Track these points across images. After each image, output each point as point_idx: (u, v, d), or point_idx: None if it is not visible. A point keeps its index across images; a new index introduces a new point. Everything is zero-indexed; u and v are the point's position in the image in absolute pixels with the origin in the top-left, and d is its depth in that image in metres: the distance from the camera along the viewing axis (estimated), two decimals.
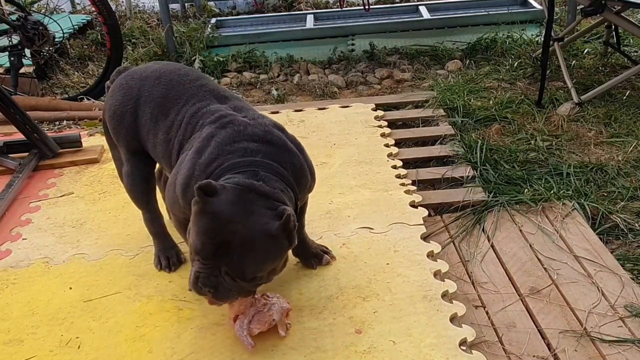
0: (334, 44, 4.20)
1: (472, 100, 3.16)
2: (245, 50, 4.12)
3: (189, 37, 4.27)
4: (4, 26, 3.35)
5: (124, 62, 3.81)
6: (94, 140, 2.92)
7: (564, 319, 1.71)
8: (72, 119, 3.27)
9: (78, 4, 5.53)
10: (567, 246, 2.02)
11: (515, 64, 3.60)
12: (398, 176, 2.42)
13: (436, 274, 1.84)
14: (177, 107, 1.73)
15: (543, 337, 1.66)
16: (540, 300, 1.79)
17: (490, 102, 3.14)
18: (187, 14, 5.16)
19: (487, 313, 1.76)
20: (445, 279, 1.83)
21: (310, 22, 4.58)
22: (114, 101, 1.83)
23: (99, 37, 4.51)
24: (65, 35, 3.96)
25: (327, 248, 1.95)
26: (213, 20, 4.79)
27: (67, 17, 4.49)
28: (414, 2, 4.94)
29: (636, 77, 3.27)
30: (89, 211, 2.34)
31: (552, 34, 3.18)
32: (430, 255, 1.94)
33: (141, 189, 1.90)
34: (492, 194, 2.31)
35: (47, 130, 3.09)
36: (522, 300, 1.80)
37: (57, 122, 3.25)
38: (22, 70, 3.52)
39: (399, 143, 2.75)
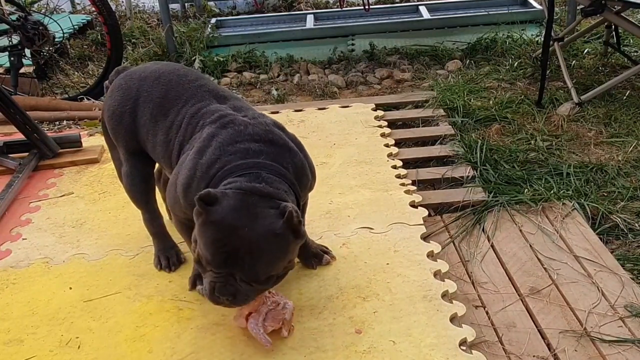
0: (334, 44, 4.20)
1: (472, 100, 3.16)
2: (245, 50, 4.12)
3: (189, 37, 4.27)
4: (4, 26, 3.35)
5: (124, 62, 3.81)
6: (94, 140, 2.92)
7: (564, 319, 1.71)
8: (72, 119, 3.27)
9: (78, 4, 5.53)
10: (567, 246, 2.02)
11: (515, 64, 3.60)
12: (398, 176, 2.42)
13: (436, 274, 1.84)
14: (176, 107, 1.73)
15: (543, 337, 1.66)
16: (540, 300, 1.79)
17: (490, 102, 3.14)
18: (187, 14, 5.17)
19: (487, 313, 1.76)
20: (445, 279, 1.83)
21: (310, 22, 4.58)
22: (113, 101, 1.83)
23: (99, 37, 4.51)
24: (65, 35, 3.96)
25: (327, 248, 1.95)
26: (213, 20, 4.79)
27: (67, 17, 4.49)
28: (414, 2, 4.94)
29: (636, 77, 3.27)
30: (89, 211, 2.34)
31: (552, 34, 3.18)
32: (430, 255, 1.94)
33: (140, 189, 1.90)
34: (492, 194, 2.31)
35: (47, 130, 3.09)
36: (522, 300, 1.80)
37: (57, 122, 3.26)
38: (22, 70, 3.52)
39: (399, 143, 2.75)
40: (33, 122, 2.74)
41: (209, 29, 4.49)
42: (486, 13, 4.46)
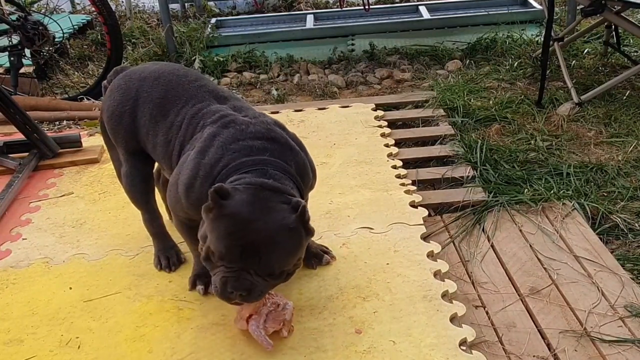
0: (334, 44, 4.20)
1: (472, 100, 3.16)
2: (245, 50, 4.12)
3: (189, 37, 4.27)
4: (4, 26, 3.35)
5: (124, 62, 3.81)
6: (94, 140, 2.92)
7: (564, 319, 1.71)
8: (72, 119, 3.27)
9: (78, 4, 5.53)
10: (567, 246, 2.02)
11: (515, 64, 3.60)
12: (398, 176, 2.42)
13: (436, 274, 1.84)
14: (176, 108, 1.73)
15: (543, 337, 1.66)
16: (540, 300, 1.79)
17: (490, 102, 3.14)
18: (187, 14, 5.17)
19: (487, 313, 1.76)
20: (445, 279, 1.83)
21: (310, 22, 4.58)
22: (112, 102, 1.83)
23: (99, 37, 4.51)
24: (65, 35, 3.96)
25: (327, 248, 1.95)
26: (213, 20, 4.79)
27: (67, 17, 4.49)
28: (414, 2, 4.94)
29: (636, 77, 3.27)
30: (89, 211, 2.34)
31: (552, 34, 3.18)
32: (430, 255, 1.94)
33: (140, 189, 1.90)
34: (492, 194, 2.31)
35: (47, 130, 3.09)
36: (522, 300, 1.80)
37: (57, 122, 3.25)
38: (22, 70, 3.52)
39: (399, 143, 2.75)
40: (33, 122, 2.74)
41: (209, 29, 4.49)
42: (486, 13, 4.46)
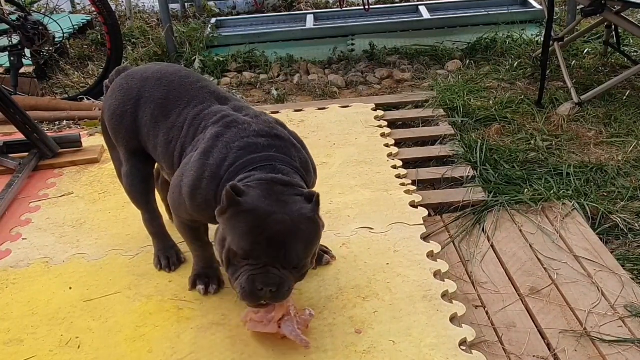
0: (334, 44, 4.20)
1: (472, 100, 3.16)
2: (245, 50, 4.12)
3: (189, 37, 4.27)
4: (4, 26, 3.34)
5: (124, 62, 3.81)
6: (94, 140, 2.92)
7: (564, 319, 1.71)
8: (72, 119, 3.27)
9: (78, 4, 5.53)
10: (567, 246, 2.02)
11: (515, 64, 3.60)
12: (398, 176, 2.42)
13: (436, 274, 1.84)
14: (178, 108, 1.73)
15: (543, 337, 1.66)
16: (540, 300, 1.79)
17: (490, 102, 3.14)
18: (187, 14, 5.17)
19: (487, 313, 1.76)
20: (445, 279, 1.83)
21: (310, 22, 4.58)
22: (114, 101, 1.83)
23: (99, 37, 4.51)
24: (65, 35, 3.96)
25: (327, 248, 1.95)
26: (213, 20, 4.79)
27: (67, 17, 4.49)
28: (414, 2, 4.94)
29: (636, 77, 3.27)
30: (89, 211, 2.34)
31: (552, 34, 3.18)
32: (430, 255, 1.94)
33: (141, 189, 1.90)
34: (492, 194, 2.31)
35: (47, 130, 3.09)
36: (522, 300, 1.80)
37: (57, 122, 3.25)
38: (22, 70, 3.52)
39: (399, 143, 2.75)
40: (33, 122, 2.74)
41: (209, 29, 4.49)
42: (486, 13, 4.46)
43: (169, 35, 4.12)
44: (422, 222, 2.11)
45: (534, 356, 1.60)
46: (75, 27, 4.50)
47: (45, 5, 3.76)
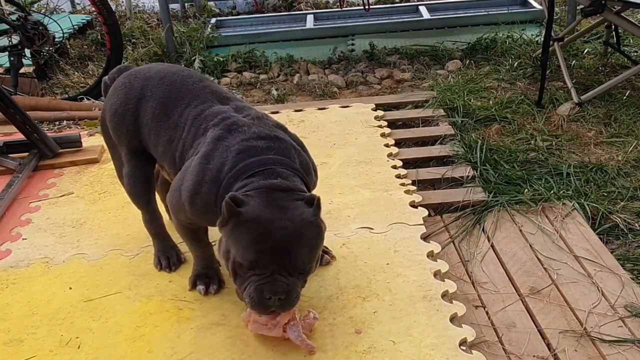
0: (334, 44, 4.20)
1: (472, 100, 3.16)
2: (245, 50, 4.12)
3: (189, 37, 4.27)
4: (4, 26, 3.34)
5: (124, 62, 3.81)
6: (94, 140, 2.92)
7: (564, 319, 1.71)
8: (72, 119, 3.27)
9: (78, 4, 5.53)
10: (567, 246, 2.02)
11: (515, 64, 3.60)
12: (398, 176, 2.42)
13: (436, 274, 1.84)
14: (179, 108, 1.73)
15: (543, 337, 1.66)
16: (540, 300, 1.79)
17: (490, 102, 3.14)
18: (187, 14, 5.17)
19: (487, 313, 1.76)
20: (445, 279, 1.83)
21: (310, 22, 4.58)
22: (116, 100, 1.83)
23: (99, 37, 4.51)
24: (65, 35, 3.96)
25: (327, 248, 1.94)
26: (213, 20, 4.79)
27: (67, 17, 4.49)
28: (414, 2, 4.94)
29: (636, 77, 3.27)
30: (89, 211, 2.34)
31: (552, 34, 3.18)
32: (430, 255, 1.94)
33: (142, 189, 1.90)
34: (492, 194, 2.31)
35: (47, 130, 3.09)
36: (522, 300, 1.80)
37: (57, 122, 3.26)
38: (22, 70, 3.52)
39: (399, 143, 2.75)
40: (33, 122, 2.74)
41: (209, 29, 4.49)
42: (486, 13, 4.46)
43: (169, 35, 4.12)
44: (422, 222, 2.11)
45: (534, 356, 1.60)
46: (75, 27, 4.50)
47: (45, 5, 3.76)
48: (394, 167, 2.49)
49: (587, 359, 1.58)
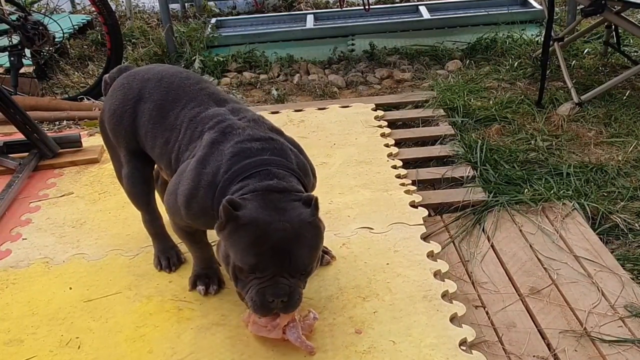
0: (334, 44, 4.20)
1: (472, 100, 3.16)
2: (245, 50, 4.12)
3: (189, 37, 4.27)
4: (4, 26, 3.34)
5: (124, 62, 3.81)
6: (94, 140, 2.92)
7: (564, 319, 1.71)
8: (72, 119, 3.27)
9: (78, 4, 5.53)
10: (567, 246, 2.02)
11: (515, 64, 3.60)
12: (398, 176, 2.42)
13: (436, 274, 1.84)
14: (176, 110, 1.73)
15: (543, 337, 1.66)
16: (540, 300, 1.79)
17: (490, 102, 3.14)
18: (187, 14, 5.16)
19: (487, 313, 1.76)
20: (445, 279, 1.83)
21: (310, 22, 4.58)
22: (114, 101, 1.83)
23: (99, 37, 4.51)
24: (65, 35, 3.96)
25: (327, 248, 1.94)
26: (213, 20, 4.79)
27: (67, 17, 4.49)
28: (414, 2, 4.94)
29: (636, 77, 3.27)
30: (89, 211, 2.34)
31: (552, 34, 3.18)
32: (430, 255, 1.94)
33: (141, 190, 1.90)
34: (492, 194, 2.31)
35: (47, 130, 3.09)
36: (522, 300, 1.80)
37: (57, 122, 3.26)
38: (22, 70, 3.51)
39: (399, 143, 2.75)
40: (33, 122, 2.74)
41: (209, 29, 4.49)
42: (486, 13, 4.46)
43: (169, 35, 4.12)
44: (422, 222, 2.11)
45: (534, 356, 1.60)
46: (75, 27, 4.50)
47: (45, 5, 3.76)
48: (394, 167, 2.49)
49: (587, 359, 1.58)
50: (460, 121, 2.94)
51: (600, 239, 2.05)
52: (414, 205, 2.21)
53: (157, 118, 1.74)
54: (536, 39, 3.93)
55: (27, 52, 3.49)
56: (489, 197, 2.30)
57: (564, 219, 2.16)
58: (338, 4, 4.71)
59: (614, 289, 1.81)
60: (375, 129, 2.85)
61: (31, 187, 2.57)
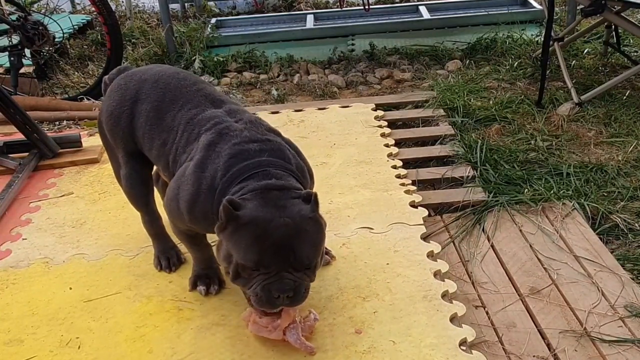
0: (334, 44, 4.20)
1: (472, 100, 3.16)
2: (245, 50, 4.11)
3: (189, 37, 4.27)
4: (4, 26, 3.34)
5: (124, 62, 3.81)
6: (94, 140, 2.92)
7: (564, 319, 1.71)
8: (72, 119, 3.27)
9: (78, 4, 5.53)
10: (567, 246, 2.02)
11: (515, 64, 3.60)
12: (398, 176, 2.42)
13: (436, 274, 1.84)
14: (172, 111, 1.72)
15: (543, 337, 1.66)
16: (540, 300, 1.79)
17: (490, 102, 3.14)
18: (187, 14, 5.16)
19: (487, 313, 1.76)
20: (445, 279, 1.83)
21: (310, 22, 4.58)
22: (112, 101, 1.82)
23: (99, 37, 4.51)
24: (65, 35, 3.96)
25: (327, 248, 1.94)
26: (213, 20, 4.79)
27: (67, 17, 4.49)
28: (414, 2, 4.94)
29: (636, 77, 3.27)
30: (89, 211, 2.34)
31: (552, 34, 3.18)
32: (430, 255, 1.94)
33: (140, 191, 1.90)
34: (492, 194, 2.31)
35: (47, 130, 3.09)
36: (522, 300, 1.80)
37: (57, 122, 3.26)
38: (22, 70, 3.52)
39: (399, 143, 2.75)
40: (33, 122, 2.74)
41: (209, 29, 4.49)
42: (486, 13, 4.46)
43: (169, 35, 4.12)
44: (422, 222, 2.11)
45: (534, 356, 1.60)
46: (75, 27, 4.50)
47: (45, 5, 3.76)
48: (394, 167, 2.49)
49: (587, 359, 1.58)
50: (460, 121, 2.94)
51: (600, 239, 2.05)
52: (414, 205, 2.21)
53: (154, 119, 1.74)
54: (536, 39, 3.93)
55: (27, 52, 3.49)
56: (489, 197, 2.30)
57: (564, 219, 2.16)
58: (338, 4, 4.72)
59: (614, 289, 1.81)
60: (375, 129, 2.85)
61: (31, 187, 2.57)
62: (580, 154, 2.64)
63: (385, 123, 2.91)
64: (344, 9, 4.66)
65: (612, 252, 1.99)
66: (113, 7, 3.94)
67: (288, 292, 1.43)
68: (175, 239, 1.96)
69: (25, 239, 2.19)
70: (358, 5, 4.93)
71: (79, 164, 2.72)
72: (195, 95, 1.73)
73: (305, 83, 3.72)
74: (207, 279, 1.82)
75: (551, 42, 3.17)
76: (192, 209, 1.57)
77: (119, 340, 1.68)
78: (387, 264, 1.89)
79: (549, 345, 1.63)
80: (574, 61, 3.59)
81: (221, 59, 4.02)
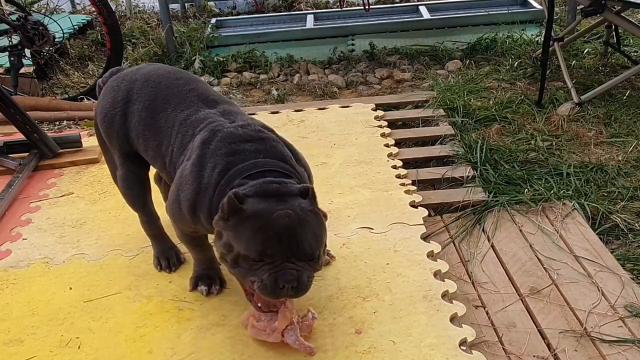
0: (334, 44, 4.20)
1: (472, 100, 3.16)
2: (245, 50, 4.12)
3: (189, 37, 4.27)
4: (4, 26, 3.34)
5: (124, 62, 3.81)
6: (94, 140, 2.89)
7: (564, 319, 1.71)
8: (72, 119, 3.27)
9: (78, 4, 5.53)
10: (567, 246, 2.02)
11: (515, 64, 3.60)
12: (398, 176, 2.42)
13: (436, 274, 1.84)
14: (165, 112, 1.71)
15: (543, 337, 1.66)
16: (540, 300, 1.79)
17: (490, 102, 3.14)
18: (187, 14, 5.17)
19: (487, 313, 1.76)
20: (445, 279, 1.83)
21: (310, 22, 4.58)
22: (105, 103, 1.82)
23: (99, 37, 4.51)
24: (65, 35, 3.96)
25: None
26: (213, 20, 4.79)
27: (67, 17, 4.49)
28: (414, 2, 4.94)
29: (636, 77, 3.27)
30: (89, 211, 2.34)
31: (552, 34, 3.18)
32: (430, 255, 1.94)
33: (137, 192, 1.89)
34: (492, 194, 2.31)
35: (47, 130, 3.09)
36: (522, 300, 1.80)
37: (57, 122, 3.26)
38: (22, 70, 3.52)
39: (399, 143, 2.75)
40: (33, 122, 2.74)
41: (209, 29, 4.49)
42: (486, 13, 4.46)
43: (169, 35, 4.12)
44: (422, 222, 2.11)
45: (534, 356, 1.60)
46: (75, 27, 4.50)
47: (45, 5, 3.76)
48: (394, 167, 2.49)
49: (587, 359, 1.58)
50: (460, 121, 2.94)
51: (600, 239, 2.05)
52: (414, 205, 2.21)
53: (147, 120, 1.73)
54: (536, 39, 3.93)
55: (27, 52, 3.49)
56: (489, 197, 2.30)
57: (564, 219, 2.16)
58: (338, 4, 4.72)
59: (614, 289, 1.81)
60: (375, 129, 2.85)
61: (31, 187, 2.57)
62: (580, 154, 2.64)
63: (385, 123, 2.91)
64: (344, 9, 4.66)
65: (612, 252, 1.99)
66: (113, 7, 3.94)
67: (292, 282, 1.43)
68: (174, 239, 1.96)
69: (25, 239, 2.19)
70: (358, 5, 4.93)
71: (79, 164, 2.72)
72: (188, 96, 1.72)
73: (305, 83, 3.72)
74: (209, 279, 1.82)
75: (551, 42, 3.17)
76: (195, 211, 1.57)
77: (119, 340, 1.68)
78: (387, 264, 1.89)
79: (549, 345, 1.63)
80: (574, 61, 3.59)
81: (221, 59, 4.02)
